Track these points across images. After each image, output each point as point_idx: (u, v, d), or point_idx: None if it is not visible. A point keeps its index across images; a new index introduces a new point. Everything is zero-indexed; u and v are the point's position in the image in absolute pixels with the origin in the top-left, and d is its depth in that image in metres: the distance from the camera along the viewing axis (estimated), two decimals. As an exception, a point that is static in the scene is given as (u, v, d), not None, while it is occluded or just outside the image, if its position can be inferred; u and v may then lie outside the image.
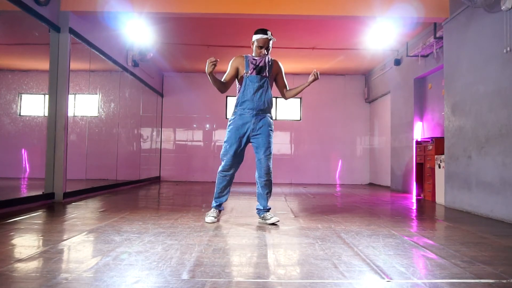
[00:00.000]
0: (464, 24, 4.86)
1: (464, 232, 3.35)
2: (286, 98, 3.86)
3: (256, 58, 3.61)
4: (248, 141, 3.61)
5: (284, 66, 3.79)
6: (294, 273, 2.08)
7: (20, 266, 2.11)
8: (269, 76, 3.63)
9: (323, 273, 2.07)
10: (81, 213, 4.13)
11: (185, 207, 4.70)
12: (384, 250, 2.61)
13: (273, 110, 3.77)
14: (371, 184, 9.75)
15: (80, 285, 1.81)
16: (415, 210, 4.95)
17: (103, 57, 6.17)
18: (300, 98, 10.02)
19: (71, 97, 5.23)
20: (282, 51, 7.66)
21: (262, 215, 3.63)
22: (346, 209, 4.73)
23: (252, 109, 3.56)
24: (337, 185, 9.37)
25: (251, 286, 1.85)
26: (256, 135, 3.57)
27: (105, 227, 3.23)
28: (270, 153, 3.61)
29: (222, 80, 3.59)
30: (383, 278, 2.00)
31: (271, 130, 3.63)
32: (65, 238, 2.83)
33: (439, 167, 5.64)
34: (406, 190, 7.26)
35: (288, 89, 3.80)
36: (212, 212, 3.64)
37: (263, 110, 3.59)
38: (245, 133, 3.57)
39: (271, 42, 3.57)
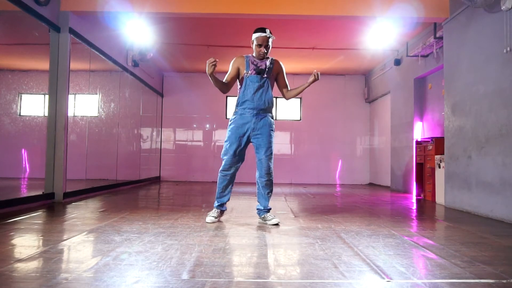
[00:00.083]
0: (464, 24, 4.86)
1: (464, 232, 3.35)
2: (286, 99, 3.86)
3: (257, 60, 3.62)
4: (248, 141, 3.61)
5: (284, 66, 3.79)
6: (294, 273, 2.08)
7: (20, 266, 2.11)
8: (269, 76, 3.63)
9: (323, 273, 2.07)
10: (81, 213, 4.13)
11: (185, 207, 4.70)
12: (384, 250, 2.61)
13: (273, 110, 3.76)
14: (371, 184, 9.75)
15: (80, 285, 1.81)
16: (415, 210, 4.95)
17: (103, 57, 6.17)
18: (300, 98, 10.02)
19: (71, 97, 5.23)
20: (282, 51, 7.66)
21: (262, 216, 3.63)
22: (346, 209, 4.73)
23: (252, 109, 3.57)
24: (337, 185, 9.37)
25: (251, 286, 1.85)
26: (256, 135, 3.57)
27: (105, 227, 3.23)
28: (271, 153, 3.61)
29: (223, 80, 3.60)
30: (383, 278, 2.00)
31: (272, 130, 3.63)
32: (65, 238, 2.83)
33: (439, 167, 5.64)
34: (406, 190, 7.26)
35: (289, 89, 3.81)
36: (213, 212, 3.64)
37: (264, 109, 3.60)
38: (245, 132, 3.57)
39: (270, 40, 3.57)
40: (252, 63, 3.61)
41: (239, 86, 3.68)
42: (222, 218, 3.75)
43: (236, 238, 2.94)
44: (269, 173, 3.61)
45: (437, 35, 5.82)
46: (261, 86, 3.58)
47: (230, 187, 3.67)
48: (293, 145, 10.13)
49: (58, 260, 2.25)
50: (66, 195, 5.06)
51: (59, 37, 5.05)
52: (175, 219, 3.70)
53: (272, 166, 3.63)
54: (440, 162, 5.60)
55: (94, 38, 5.79)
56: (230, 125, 3.64)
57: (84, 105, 6.01)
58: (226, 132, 3.68)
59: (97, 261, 2.21)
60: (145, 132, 8.78)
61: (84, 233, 2.99)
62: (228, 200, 3.70)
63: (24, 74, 6.42)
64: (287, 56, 8.03)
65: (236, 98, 3.69)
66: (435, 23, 5.84)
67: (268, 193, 3.65)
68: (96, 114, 6.40)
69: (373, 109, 9.92)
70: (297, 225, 3.55)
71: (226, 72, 3.66)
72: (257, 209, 3.70)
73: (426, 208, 5.14)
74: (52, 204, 4.70)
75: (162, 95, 10.01)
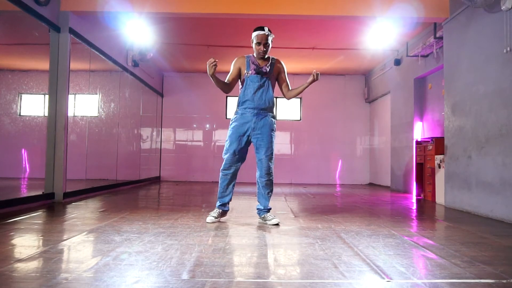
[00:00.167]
0: (464, 24, 4.86)
1: (464, 232, 3.35)
2: (287, 98, 3.86)
3: (258, 60, 3.63)
4: (249, 141, 3.62)
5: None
6: (294, 273, 2.08)
7: (20, 266, 2.11)
8: (270, 75, 3.64)
9: (323, 273, 2.07)
10: (81, 213, 4.13)
11: (185, 207, 4.70)
12: (384, 250, 2.61)
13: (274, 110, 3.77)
14: (371, 184, 9.75)
15: (80, 285, 1.81)
16: (415, 210, 4.95)
17: (103, 57, 6.17)
18: (300, 98, 10.02)
19: (71, 97, 5.23)
20: (282, 51, 7.66)
21: (262, 216, 3.63)
22: (346, 209, 4.73)
23: (253, 108, 3.57)
24: (337, 185, 9.37)
25: (251, 286, 1.85)
26: (256, 134, 3.58)
27: (105, 227, 3.23)
28: (271, 153, 3.61)
29: (225, 81, 3.61)
30: (383, 278, 2.00)
31: (273, 130, 3.63)
32: (65, 238, 2.83)
33: (439, 167, 5.64)
34: (406, 190, 7.26)
35: (290, 88, 3.81)
36: (214, 212, 3.64)
37: (264, 109, 3.60)
38: (246, 132, 3.57)
39: (269, 38, 3.57)
40: (253, 63, 3.61)
41: (240, 87, 3.69)
42: (223, 218, 3.74)
43: (236, 238, 2.94)
44: (269, 173, 3.61)
45: (437, 35, 5.82)
46: (261, 85, 3.59)
47: (231, 186, 3.67)
48: (293, 145, 10.13)
49: (58, 260, 2.25)
50: (66, 195, 5.06)
51: (59, 37, 5.05)
52: (175, 219, 3.70)
53: (272, 166, 3.63)
54: (440, 162, 5.60)
55: (94, 38, 5.79)
56: (231, 124, 3.65)
57: (84, 105, 6.01)
58: (226, 132, 3.69)
59: (97, 261, 2.21)
60: (145, 132, 8.78)
61: (84, 233, 2.99)
62: (230, 200, 3.69)
63: (24, 74, 6.42)
64: (287, 56, 8.03)
65: (237, 98, 3.70)
66: (435, 23, 5.84)
67: (268, 193, 3.65)
68: (96, 114, 6.40)
69: (373, 109, 9.92)
70: (297, 225, 3.55)
71: (227, 73, 3.67)
72: (257, 208, 3.71)
73: (426, 208, 5.14)
74: (52, 204, 4.70)
75: (162, 95, 10.01)
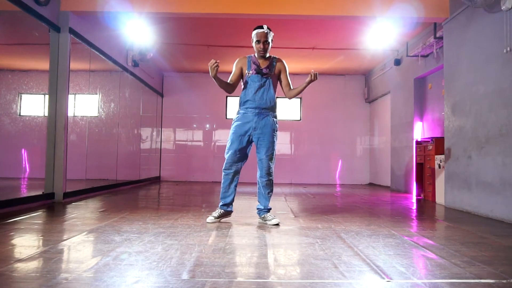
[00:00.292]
0: (464, 24, 4.86)
1: (464, 232, 3.35)
2: (288, 98, 3.86)
3: (259, 60, 3.63)
4: (250, 140, 3.62)
5: (285, 66, 3.80)
6: (294, 273, 2.08)
7: (20, 266, 2.11)
8: (271, 74, 3.64)
9: (323, 273, 2.07)
10: (81, 213, 4.13)
11: (185, 207, 4.70)
12: (384, 250, 2.61)
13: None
14: (371, 184, 9.75)
15: (80, 285, 1.81)
16: (415, 210, 4.95)
17: (103, 57, 6.17)
18: (300, 98, 10.02)
19: (71, 97, 5.23)
20: (282, 51, 7.66)
21: (262, 216, 3.63)
22: (346, 209, 4.73)
23: (254, 108, 3.58)
24: (337, 185, 9.37)
25: (251, 286, 1.85)
26: (257, 134, 3.58)
27: (105, 227, 3.23)
28: (272, 153, 3.61)
29: (228, 81, 3.62)
30: (383, 278, 2.00)
31: (274, 130, 3.63)
32: (65, 238, 2.83)
33: (439, 167, 5.64)
34: (406, 190, 7.26)
35: (291, 88, 3.81)
36: (215, 212, 3.64)
37: (266, 108, 3.60)
38: (247, 132, 3.58)
39: (269, 36, 3.57)
40: (254, 63, 3.62)
41: (242, 87, 3.70)
42: (225, 219, 3.73)
43: (236, 238, 2.94)
44: (269, 173, 3.61)
45: (437, 35, 5.82)
46: (262, 85, 3.59)
47: (233, 186, 3.65)
48: (293, 145, 10.13)
49: (58, 260, 2.25)
50: (66, 195, 5.06)
51: (59, 37, 5.05)
52: (175, 219, 3.70)
53: (273, 166, 3.63)
54: (440, 162, 5.60)
55: (94, 38, 5.79)
56: (233, 124, 3.66)
57: (84, 105, 6.01)
58: (226, 132, 3.69)
59: (97, 261, 2.21)
60: (145, 132, 8.78)
61: (84, 233, 2.99)
62: (233, 200, 3.67)
63: (24, 74, 6.42)
64: (287, 56, 8.01)
65: (237, 98, 3.70)
66: (435, 23, 5.84)
67: (268, 193, 3.65)
68: (96, 114, 6.40)
69: (373, 109, 9.92)
70: (297, 225, 3.55)
71: (227, 73, 3.67)
72: (257, 208, 3.70)
73: (426, 208, 5.14)
74: (52, 204, 4.70)
75: (162, 95, 10.01)
